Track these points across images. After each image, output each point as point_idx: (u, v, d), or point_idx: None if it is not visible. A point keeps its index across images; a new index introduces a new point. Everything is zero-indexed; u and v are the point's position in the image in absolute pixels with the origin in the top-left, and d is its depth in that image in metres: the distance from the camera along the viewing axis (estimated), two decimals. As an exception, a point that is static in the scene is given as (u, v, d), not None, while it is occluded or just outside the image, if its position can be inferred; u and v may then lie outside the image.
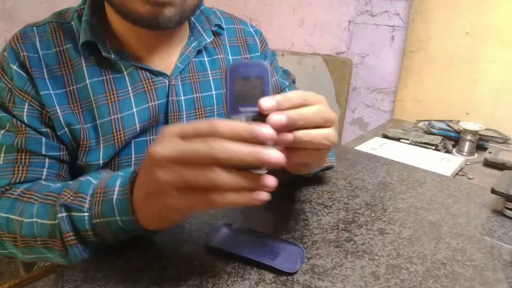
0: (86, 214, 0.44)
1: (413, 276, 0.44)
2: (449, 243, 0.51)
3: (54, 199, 0.47)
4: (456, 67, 1.30)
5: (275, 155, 0.34)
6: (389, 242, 0.51)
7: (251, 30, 0.73)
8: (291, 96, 0.38)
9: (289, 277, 0.43)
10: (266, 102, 0.36)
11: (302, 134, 0.38)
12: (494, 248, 0.51)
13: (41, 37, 0.56)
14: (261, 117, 0.37)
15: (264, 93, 0.38)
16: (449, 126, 1.22)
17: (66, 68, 0.56)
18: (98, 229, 0.44)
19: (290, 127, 0.37)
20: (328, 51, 1.68)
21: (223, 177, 0.34)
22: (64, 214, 0.45)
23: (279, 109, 0.37)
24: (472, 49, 1.26)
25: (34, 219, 0.47)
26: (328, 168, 0.68)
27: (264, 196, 0.36)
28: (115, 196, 0.43)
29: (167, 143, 0.36)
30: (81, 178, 0.48)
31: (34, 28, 0.57)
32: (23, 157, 0.54)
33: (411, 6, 1.37)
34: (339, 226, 0.54)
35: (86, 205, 0.44)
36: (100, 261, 0.45)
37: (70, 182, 0.49)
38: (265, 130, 0.34)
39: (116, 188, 0.43)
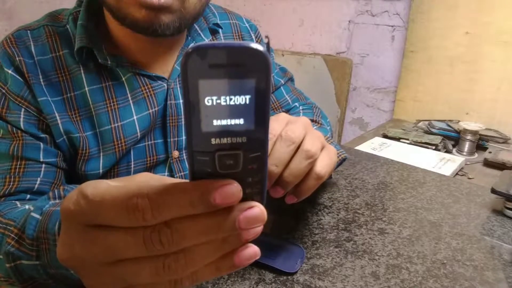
0: (37, 262, 0.39)
1: (413, 276, 0.44)
2: (449, 243, 0.51)
3: (9, 231, 0.41)
4: (456, 66, 1.30)
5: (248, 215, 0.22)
6: (389, 242, 0.51)
7: (247, 25, 0.73)
8: (283, 153, 0.37)
9: (289, 277, 0.43)
10: None
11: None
12: (494, 248, 0.51)
13: (36, 41, 0.54)
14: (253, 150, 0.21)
15: (263, 111, 0.20)
16: (449, 126, 1.22)
17: (63, 74, 0.54)
18: (57, 277, 0.39)
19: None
20: (328, 51, 1.68)
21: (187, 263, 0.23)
22: (13, 264, 0.40)
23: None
24: (472, 48, 1.26)
25: None
26: (343, 160, 0.63)
27: (251, 252, 0.24)
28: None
29: (84, 239, 0.23)
30: (26, 208, 0.43)
31: (28, 31, 0.54)
32: (17, 166, 0.51)
33: (411, 6, 1.37)
34: (339, 226, 0.54)
35: (35, 254, 0.39)
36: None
37: (26, 208, 0.43)
38: (222, 197, 0.21)
39: (57, 237, 0.36)
